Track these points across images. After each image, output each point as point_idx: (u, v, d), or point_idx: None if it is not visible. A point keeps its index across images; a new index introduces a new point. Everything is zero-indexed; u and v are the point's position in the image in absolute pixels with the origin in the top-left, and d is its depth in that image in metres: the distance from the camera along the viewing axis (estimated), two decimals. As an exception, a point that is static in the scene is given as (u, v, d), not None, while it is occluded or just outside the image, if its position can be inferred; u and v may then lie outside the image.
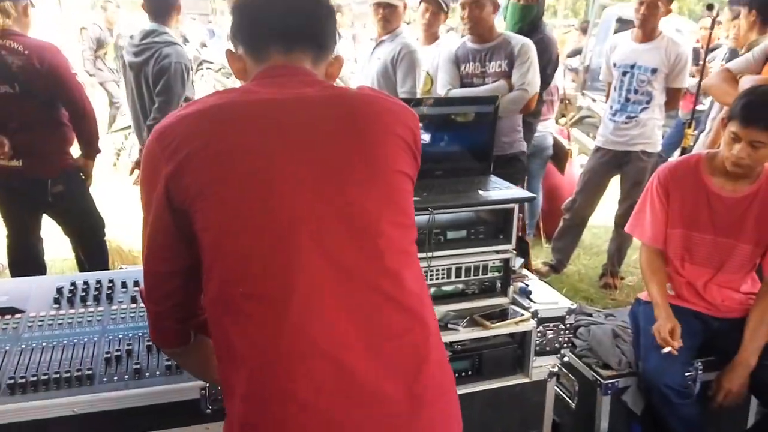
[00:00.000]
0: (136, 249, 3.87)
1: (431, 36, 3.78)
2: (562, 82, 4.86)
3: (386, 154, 1.05)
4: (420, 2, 3.78)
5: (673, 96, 3.58)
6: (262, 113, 1.02)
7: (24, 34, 2.77)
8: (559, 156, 4.38)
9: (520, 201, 1.94)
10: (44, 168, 2.84)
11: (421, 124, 1.22)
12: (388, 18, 3.42)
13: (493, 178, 2.11)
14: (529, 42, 3.07)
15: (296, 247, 0.95)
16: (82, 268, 3.14)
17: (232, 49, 1.15)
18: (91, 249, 3.14)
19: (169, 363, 1.51)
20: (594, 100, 7.48)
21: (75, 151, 3.02)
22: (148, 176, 1.03)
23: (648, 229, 2.22)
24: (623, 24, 8.72)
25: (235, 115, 1.01)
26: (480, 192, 1.94)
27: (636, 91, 3.54)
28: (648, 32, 3.49)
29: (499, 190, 1.97)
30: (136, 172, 3.25)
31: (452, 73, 3.20)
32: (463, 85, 3.17)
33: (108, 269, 3.25)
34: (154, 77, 2.97)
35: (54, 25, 8.37)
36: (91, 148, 2.98)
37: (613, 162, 3.71)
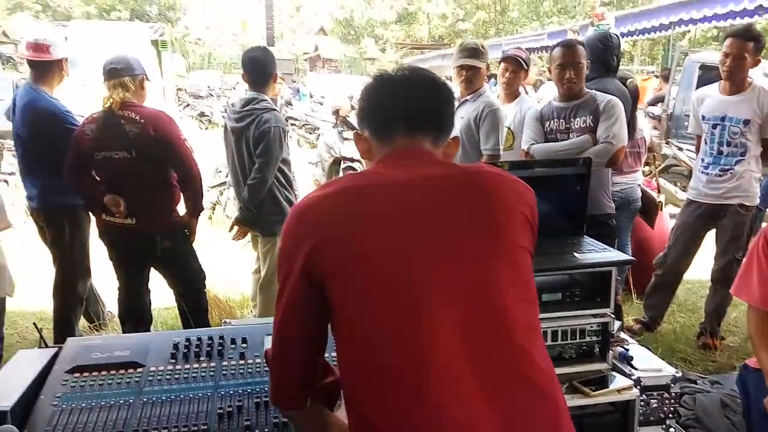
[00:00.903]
0: (232, 299, 4.08)
1: (512, 94, 3.83)
2: (649, 132, 4.76)
3: (511, 231, 1.11)
4: (500, 62, 3.87)
5: None
6: (393, 195, 1.10)
7: (140, 104, 3.05)
8: (649, 209, 4.25)
9: (618, 264, 1.91)
10: (154, 225, 3.08)
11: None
12: (471, 79, 3.51)
13: (587, 240, 2.10)
14: (615, 99, 3.07)
15: (430, 324, 1.00)
16: (184, 316, 3.33)
17: (359, 131, 1.26)
18: (193, 300, 3.33)
19: (277, 421, 1.57)
20: (680, 149, 7.24)
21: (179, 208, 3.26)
22: (288, 250, 1.12)
23: (756, 291, 2.11)
24: (707, 71, 8.48)
25: (369, 197, 1.10)
26: (575, 254, 1.94)
27: (729, 143, 3.43)
28: (737, 84, 3.40)
29: (595, 252, 1.96)
30: (235, 228, 3.45)
31: (536, 129, 3.23)
32: (547, 141, 3.19)
33: (207, 318, 3.44)
34: (255, 140, 3.17)
35: (155, 90, 9.11)
36: (195, 207, 3.20)
37: (707, 215, 3.57)
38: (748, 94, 3.38)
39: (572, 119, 3.12)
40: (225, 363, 1.83)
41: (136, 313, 3.30)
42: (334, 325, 1.09)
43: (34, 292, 4.36)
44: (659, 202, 4.41)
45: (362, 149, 1.25)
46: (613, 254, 1.96)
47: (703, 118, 3.54)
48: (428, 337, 0.99)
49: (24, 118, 3.17)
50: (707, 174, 3.51)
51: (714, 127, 3.46)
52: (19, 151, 3.39)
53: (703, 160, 3.56)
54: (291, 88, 19.04)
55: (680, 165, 7.17)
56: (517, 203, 1.14)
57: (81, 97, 10.19)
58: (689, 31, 14.61)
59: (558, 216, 2.14)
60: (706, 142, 3.54)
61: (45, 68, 3.21)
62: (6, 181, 5.69)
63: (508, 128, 3.66)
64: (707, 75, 8.45)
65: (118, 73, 2.94)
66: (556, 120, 3.18)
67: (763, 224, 3.02)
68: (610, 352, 1.93)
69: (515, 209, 1.13)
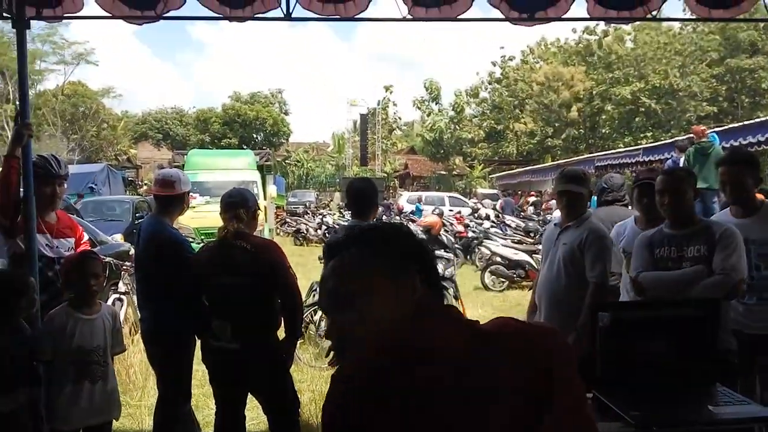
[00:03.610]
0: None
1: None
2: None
3: (522, 404, 1.07)
4: (634, 188, 3.70)
5: None
6: (429, 370, 1.08)
7: (252, 233, 3.24)
8: None
9: (763, 421, 1.69)
10: (256, 350, 3.12)
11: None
12: (572, 204, 3.45)
13: (720, 389, 1.90)
14: (732, 227, 2.90)
15: None
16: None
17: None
18: (286, 426, 3.27)
19: None
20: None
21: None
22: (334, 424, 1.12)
23: None
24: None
25: (408, 373, 1.08)
26: (710, 407, 1.74)
27: (758, 268, 3.09)
28: (747, 207, 3.16)
29: (732, 405, 1.75)
30: (332, 353, 3.44)
31: (645, 257, 3.08)
32: (657, 269, 3.02)
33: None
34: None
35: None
36: (295, 332, 3.25)
37: (757, 348, 3.14)
38: (763, 213, 3.13)
39: (685, 248, 2.95)
40: None
41: (232, 439, 3.28)
42: None
43: (136, 409, 4.50)
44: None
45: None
46: (755, 409, 1.74)
47: None
48: None
49: (148, 247, 3.43)
50: (744, 304, 3.14)
51: None
52: (138, 275, 3.64)
53: None
54: (382, 205, 19.70)
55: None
56: (539, 360, 1.11)
57: (195, 218, 11.09)
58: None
59: (684, 361, 1.96)
60: None
61: (170, 202, 3.50)
62: (121, 300, 6.09)
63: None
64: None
65: (234, 206, 3.16)
66: (667, 248, 3.02)
67: None
68: None
69: (538, 368, 1.10)
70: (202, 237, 9.14)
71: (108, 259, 6.14)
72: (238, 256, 3.06)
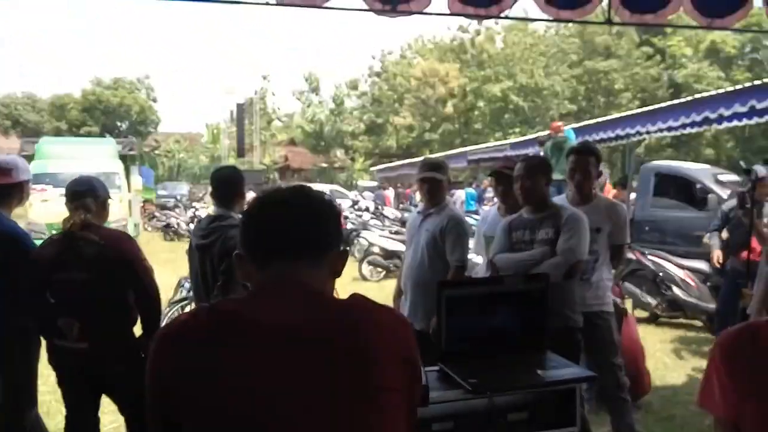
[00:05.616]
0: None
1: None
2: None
3: (379, 377, 1.09)
4: (489, 175, 3.92)
5: (618, 252, 3.57)
6: (258, 343, 1.08)
7: (101, 225, 3.04)
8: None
9: (581, 381, 1.89)
10: (108, 348, 2.94)
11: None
12: (433, 191, 3.62)
13: (550, 356, 2.08)
14: (578, 213, 3.16)
15: None
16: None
17: (241, 253, 1.24)
18: (145, 427, 3.12)
19: None
20: (644, 254, 7.45)
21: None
22: (148, 384, 1.14)
23: (719, 403, 2.08)
24: (662, 178, 8.97)
25: (232, 340, 1.08)
26: (538, 372, 1.91)
27: None
28: (585, 195, 3.54)
29: (558, 369, 1.94)
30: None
31: (503, 240, 3.29)
32: (513, 251, 3.24)
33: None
34: (219, 257, 3.13)
35: (122, 203, 9.00)
36: (153, 328, 3.08)
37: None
38: (595, 204, 3.51)
39: (537, 231, 3.18)
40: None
41: (84, 443, 3.08)
42: None
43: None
44: (623, 308, 4.46)
45: (242, 273, 1.24)
46: (575, 371, 1.94)
47: None
48: None
49: (-20, 240, 3.11)
50: None
51: None
52: (-28, 273, 3.29)
53: None
54: (261, 197, 19.23)
55: (644, 269, 7.34)
56: (388, 345, 1.13)
57: (47, 213, 10.18)
58: (645, 139, 15.57)
59: (518, 331, 2.13)
60: None
61: (6, 192, 3.19)
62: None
63: None
64: (661, 182, 8.92)
65: (80, 195, 2.95)
66: (522, 231, 3.23)
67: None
68: (582, 475, 1.85)
69: (386, 350, 1.12)
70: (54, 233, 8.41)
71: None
72: (85, 250, 2.86)
